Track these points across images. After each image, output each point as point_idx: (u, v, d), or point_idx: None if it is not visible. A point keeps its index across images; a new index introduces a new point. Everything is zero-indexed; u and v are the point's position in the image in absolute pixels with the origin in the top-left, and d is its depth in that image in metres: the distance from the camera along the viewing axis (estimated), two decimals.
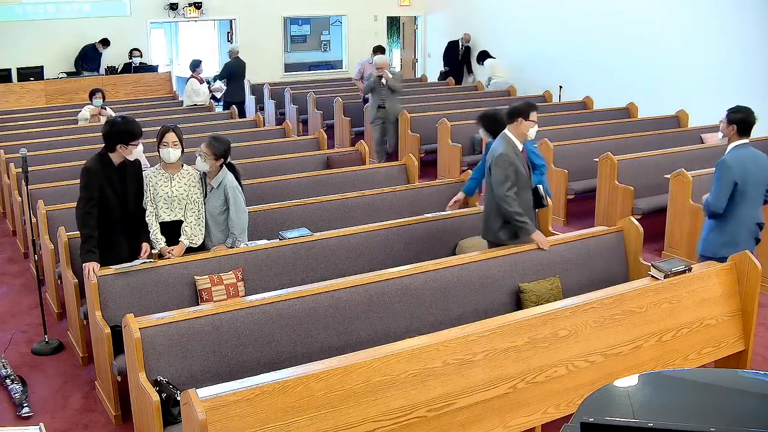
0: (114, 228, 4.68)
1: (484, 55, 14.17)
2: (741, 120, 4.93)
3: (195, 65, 11.23)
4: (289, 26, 15.54)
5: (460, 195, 5.95)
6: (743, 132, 4.96)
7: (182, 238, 4.91)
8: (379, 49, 11.43)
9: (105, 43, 12.93)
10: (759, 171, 4.95)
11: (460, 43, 14.56)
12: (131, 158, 4.70)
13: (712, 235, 5.02)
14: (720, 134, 5.14)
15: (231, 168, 5.11)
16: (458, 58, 14.67)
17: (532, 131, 4.91)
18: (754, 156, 4.96)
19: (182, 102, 11.53)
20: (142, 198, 4.84)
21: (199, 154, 5.00)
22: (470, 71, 14.94)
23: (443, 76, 14.66)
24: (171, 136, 4.84)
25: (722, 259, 4.77)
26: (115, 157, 4.68)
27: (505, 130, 4.92)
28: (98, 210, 4.61)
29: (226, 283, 4.64)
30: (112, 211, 4.66)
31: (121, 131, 4.61)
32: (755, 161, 4.95)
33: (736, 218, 4.92)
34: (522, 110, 4.85)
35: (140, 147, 4.72)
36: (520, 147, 4.90)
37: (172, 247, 4.87)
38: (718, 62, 10.07)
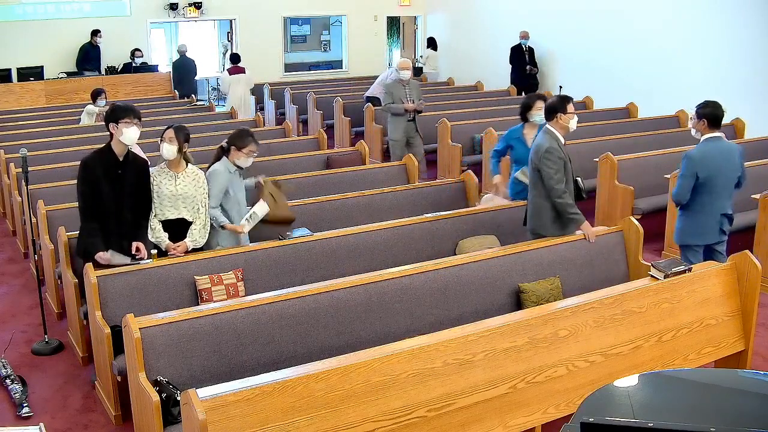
0: (106, 224, 4.66)
1: (432, 42, 14.60)
2: (710, 113, 5.13)
3: (239, 58, 11.96)
4: (289, 26, 15.55)
5: (497, 178, 6.25)
6: (714, 125, 5.15)
7: (188, 240, 4.91)
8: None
9: (96, 33, 12.94)
10: (728, 164, 5.16)
11: (523, 46, 13.04)
12: (125, 141, 4.66)
13: (683, 224, 5.30)
14: (693, 131, 5.30)
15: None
16: (525, 62, 13.09)
17: (573, 123, 5.06)
18: (723, 149, 5.17)
19: (225, 95, 12.27)
20: (141, 197, 4.83)
21: (250, 155, 5.12)
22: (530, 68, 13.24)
23: (515, 81, 13.09)
24: (169, 132, 4.87)
25: (695, 247, 5.24)
26: (118, 149, 4.68)
27: (547, 125, 5.07)
28: (91, 202, 4.63)
29: (226, 283, 4.64)
30: (106, 206, 4.65)
31: (112, 111, 4.69)
32: (724, 154, 5.16)
33: (703, 209, 5.17)
34: (558, 106, 5.03)
35: (135, 130, 4.67)
36: (563, 140, 5.06)
37: (178, 244, 4.87)
38: (718, 62, 10.07)
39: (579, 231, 5.08)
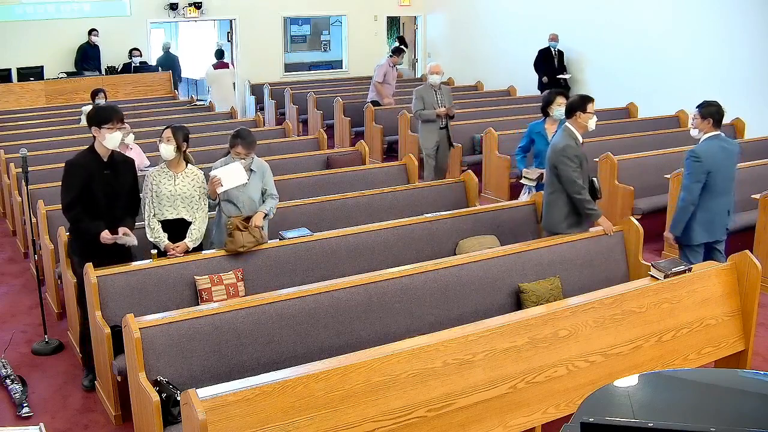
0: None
1: (401, 40, 14.50)
2: (715, 112, 5.19)
3: (223, 54, 12.62)
4: (289, 26, 15.53)
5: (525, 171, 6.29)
6: (717, 124, 5.21)
7: (187, 240, 4.91)
8: (398, 50, 11.35)
9: (92, 32, 12.94)
10: (729, 162, 5.23)
11: (552, 49, 12.07)
12: (109, 145, 4.66)
13: (687, 223, 5.25)
14: (695, 131, 5.31)
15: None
16: (555, 66, 12.10)
17: (592, 122, 5.18)
18: (724, 146, 5.22)
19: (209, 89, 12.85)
20: (131, 195, 4.83)
21: (240, 158, 5.00)
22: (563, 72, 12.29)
23: (543, 87, 11.87)
24: (167, 132, 4.87)
25: (696, 247, 5.24)
26: (102, 150, 4.67)
27: (566, 123, 5.17)
28: (82, 205, 4.61)
29: (226, 283, 4.64)
30: (97, 207, 4.63)
31: (95, 114, 4.66)
32: (726, 151, 5.21)
33: (704, 206, 5.17)
34: (578, 104, 5.15)
35: (118, 135, 4.69)
36: (581, 139, 5.15)
37: (177, 244, 4.87)
38: (719, 62, 10.06)
39: (597, 227, 5.20)
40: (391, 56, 11.15)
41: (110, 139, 4.65)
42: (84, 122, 9.38)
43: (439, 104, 8.07)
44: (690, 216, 5.21)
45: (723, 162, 5.16)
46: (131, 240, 4.71)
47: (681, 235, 5.30)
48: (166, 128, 4.92)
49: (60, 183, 4.79)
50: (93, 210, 4.63)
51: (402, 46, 11.84)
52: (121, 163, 4.79)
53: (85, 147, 4.83)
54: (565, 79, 12.12)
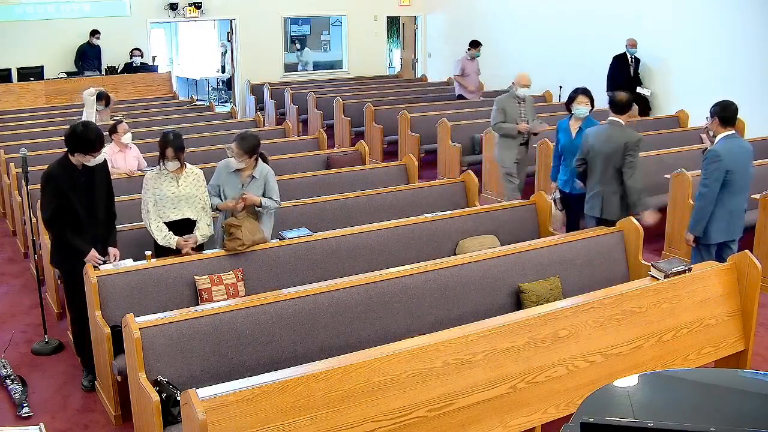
0: (80, 230, 4.60)
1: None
2: (721, 110, 5.17)
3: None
4: (289, 26, 15.53)
5: (554, 185, 6.31)
6: (727, 122, 5.18)
7: (197, 234, 4.94)
8: (474, 43, 11.52)
9: (94, 33, 12.93)
10: (747, 162, 5.23)
11: (629, 55, 10.77)
12: (92, 165, 4.60)
13: (708, 221, 5.22)
14: (709, 132, 5.32)
15: (263, 158, 5.23)
16: (630, 75, 10.77)
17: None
18: (742, 146, 5.24)
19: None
20: (108, 195, 4.79)
21: (231, 154, 5.05)
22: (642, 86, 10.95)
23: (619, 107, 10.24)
24: (170, 152, 4.84)
25: (714, 245, 5.24)
26: (79, 162, 4.60)
27: (619, 119, 5.42)
28: (63, 214, 4.55)
29: (226, 283, 4.64)
30: (78, 216, 4.58)
31: (79, 140, 4.51)
32: (743, 150, 5.22)
33: (723, 206, 5.15)
34: (628, 105, 5.52)
35: (102, 154, 4.68)
36: None
37: (187, 236, 4.88)
38: (719, 62, 10.06)
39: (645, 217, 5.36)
40: (469, 49, 11.50)
41: (97, 159, 4.62)
42: (94, 102, 9.00)
43: (523, 118, 7.25)
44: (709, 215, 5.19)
45: (742, 160, 5.15)
46: (124, 262, 4.69)
47: (704, 235, 5.24)
48: (167, 148, 4.81)
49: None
50: (74, 221, 4.58)
51: (478, 40, 11.92)
52: (94, 166, 4.69)
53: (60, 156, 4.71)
54: (641, 95, 10.71)
